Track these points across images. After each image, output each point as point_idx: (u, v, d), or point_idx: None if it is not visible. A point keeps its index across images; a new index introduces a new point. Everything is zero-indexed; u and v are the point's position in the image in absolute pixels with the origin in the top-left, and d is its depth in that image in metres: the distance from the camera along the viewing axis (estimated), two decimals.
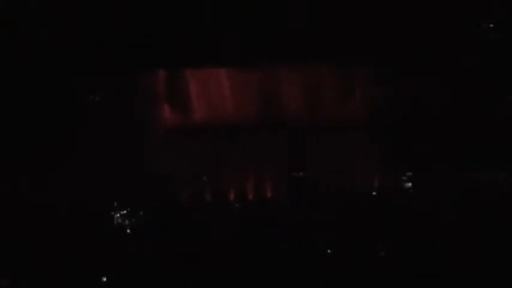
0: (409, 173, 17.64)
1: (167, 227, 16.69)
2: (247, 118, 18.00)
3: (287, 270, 15.69)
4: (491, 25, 17.12)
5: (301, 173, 18.00)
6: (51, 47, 16.30)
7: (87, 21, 16.43)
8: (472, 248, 15.57)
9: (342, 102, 18.09)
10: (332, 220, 16.77)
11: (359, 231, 16.49)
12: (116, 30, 16.59)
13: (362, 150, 17.55)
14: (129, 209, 16.85)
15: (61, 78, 16.43)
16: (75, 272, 15.48)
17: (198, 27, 17.02)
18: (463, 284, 15.13)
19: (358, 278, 15.56)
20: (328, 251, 16.21)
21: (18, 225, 15.82)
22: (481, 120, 17.11)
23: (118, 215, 16.79)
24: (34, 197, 16.09)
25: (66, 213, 16.14)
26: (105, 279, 15.63)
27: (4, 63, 16.10)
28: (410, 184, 17.63)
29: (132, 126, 17.22)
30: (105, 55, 16.52)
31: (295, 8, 16.98)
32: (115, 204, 16.83)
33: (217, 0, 16.99)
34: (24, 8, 16.00)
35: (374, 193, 17.71)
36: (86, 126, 16.75)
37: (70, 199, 16.22)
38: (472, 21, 17.16)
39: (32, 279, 15.29)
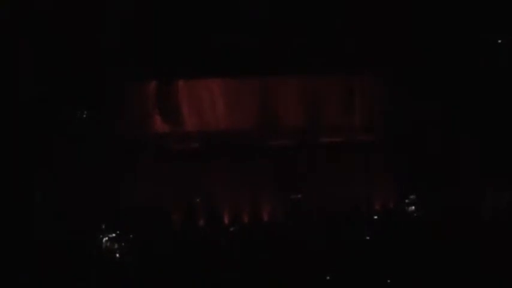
0: (413, 196, 17.11)
1: (158, 251, 16.10)
2: (244, 135, 17.43)
3: None
4: None
5: (299, 195, 17.37)
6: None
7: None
8: (480, 275, 15.02)
9: (344, 118, 17.59)
10: (332, 245, 16.19)
11: (361, 256, 15.90)
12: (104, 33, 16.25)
13: (364, 171, 17.12)
14: (118, 232, 16.26)
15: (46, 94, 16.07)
16: None
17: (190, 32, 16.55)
18: None
19: None
20: (327, 277, 15.58)
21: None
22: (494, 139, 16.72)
23: (106, 238, 16.21)
24: (16, 215, 15.61)
25: (50, 237, 15.59)
26: None
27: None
28: (413, 207, 17.08)
29: (121, 145, 16.64)
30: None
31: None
32: (103, 226, 16.27)
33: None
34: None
35: (376, 217, 17.14)
36: (71, 144, 16.25)
37: (54, 220, 15.72)
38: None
39: None
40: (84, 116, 16.65)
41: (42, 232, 15.61)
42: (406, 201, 17.23)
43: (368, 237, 16.62)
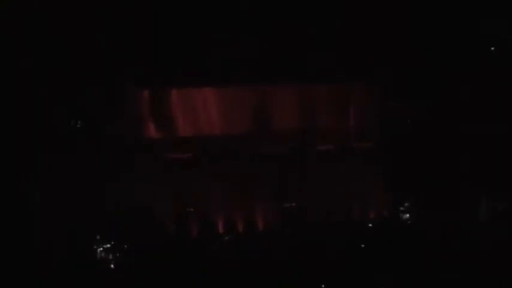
0: (407, 204, 17.18)
1: (153, 262, 15.94)
2: (240, 142, 17.37)
3: None
4: None
5: (293, 203, 17.39)
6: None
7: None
8: (475, 281, 15.00)
9: (340, 126, 17.64)
10: (326, 253, 16.17)
11: (355, 265, 15.85)
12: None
13: (359, 179, 17.20)
14: (113, 243, 16.21)
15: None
16: None
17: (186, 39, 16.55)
18: None
19: None
20: (323, 286, 15.52)
21: None
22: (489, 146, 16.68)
23: (101, 248, 16.16)
24: (11, 226, 15.51)
25: (45, 247, 15.49)
26: None
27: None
28: (408, 215, 17.16)
29: (115, 155, 16.49)
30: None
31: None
32: (98, 237, 16.21)
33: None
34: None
35: (370, 224, 17.24)
36: (66, 154, 16.08)
37: (49, 231, 15.61)
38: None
39: None
40: (79, 123, 16.67)
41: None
42: (401, 208, 17.26)
43: (363, 245, 16.62)
